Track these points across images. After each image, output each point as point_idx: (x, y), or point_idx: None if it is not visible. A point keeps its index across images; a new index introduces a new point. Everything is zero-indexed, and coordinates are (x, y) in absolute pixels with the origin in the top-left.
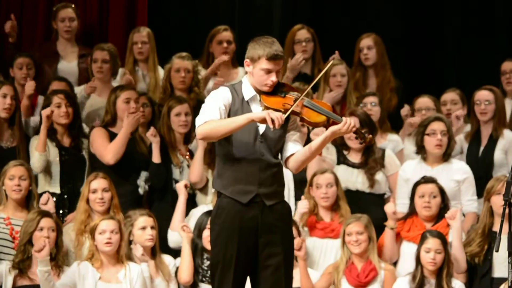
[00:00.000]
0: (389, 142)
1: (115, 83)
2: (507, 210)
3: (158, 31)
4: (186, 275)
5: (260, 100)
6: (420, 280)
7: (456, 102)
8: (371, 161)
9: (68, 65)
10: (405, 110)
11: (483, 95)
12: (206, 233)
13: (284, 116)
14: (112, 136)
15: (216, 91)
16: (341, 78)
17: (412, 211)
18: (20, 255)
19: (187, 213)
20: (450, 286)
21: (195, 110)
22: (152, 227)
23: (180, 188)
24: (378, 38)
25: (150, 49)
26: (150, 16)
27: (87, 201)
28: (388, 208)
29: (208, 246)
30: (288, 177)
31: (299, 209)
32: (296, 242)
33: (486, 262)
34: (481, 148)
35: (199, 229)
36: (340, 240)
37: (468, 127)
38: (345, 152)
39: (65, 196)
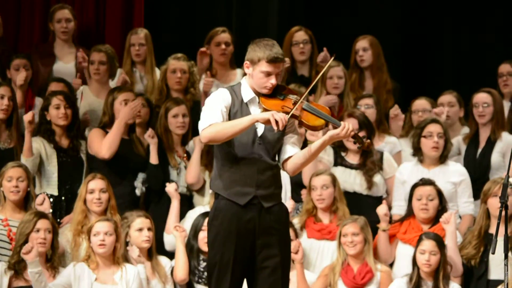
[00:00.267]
0: (386, 144)
1: (113, 85)
2: (503, 212)
3: (154, 32)
4: (181, 273)
5: (259, 102)
6: (416, 282)
7: (453, 104)
8: (369, 162)
9: (65, 66)
10: (394, 110)
11: (481, 98)
12: (202, 235)
13: (288, 117)
14: None
15: (215, 93)
16: (338, 80)
17: (410, 213)
18: (16, 256)
19: (184, 214)
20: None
21: (191, 111)
22: (148, 229)
23: (171, 192)
24: (374, 40)
25: (147, 51)
26: (146, 17)
27: (85, 201)
28: (380, 210)
29: (204, 247)
30: (285, 179)
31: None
32: (293, 245)
33: (482, 264)
34: (479, 150)
35: (195, 231)
36: (336, 242)
37: (465, 129)
38: (342, 154)
39: (63, 198)
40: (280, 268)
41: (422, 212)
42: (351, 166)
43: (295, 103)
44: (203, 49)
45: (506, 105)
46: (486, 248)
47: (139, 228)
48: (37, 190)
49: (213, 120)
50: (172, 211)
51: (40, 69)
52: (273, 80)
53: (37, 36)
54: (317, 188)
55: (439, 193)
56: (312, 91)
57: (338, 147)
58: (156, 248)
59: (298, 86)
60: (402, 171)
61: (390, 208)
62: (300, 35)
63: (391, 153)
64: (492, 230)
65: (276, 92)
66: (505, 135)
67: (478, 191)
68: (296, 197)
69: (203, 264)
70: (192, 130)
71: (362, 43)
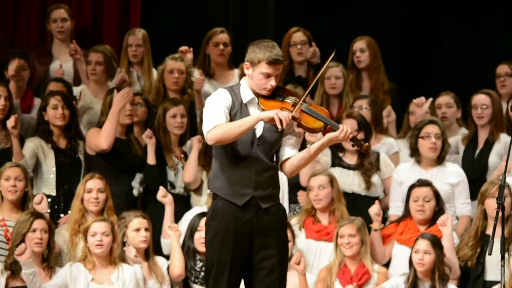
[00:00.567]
0: (382, 144)
1: (112, 85)
2: (500, 214)
3: (151, 32)
4: (177, 268)
5: (258, 103)
6: (413, 282)
7: (451, 105)
8: (367, 163)
9: (63, 66)
10: (386, 111)
11: (480, 99)
12: (198, 235)
13: (291, 115)
14: None
15: (216, 94)
16: (336, 81)
17: (406, 214)
18: (12, 257)
19: (181, 214)
20: None
21: (189, 112)
22: (146, 229)
23: (163, 200)
24: (372, 40)
25: (144, 52)
26: (143, 17)
27: (82, 200)
28: (372, 210)
29: (200, 248)
30: (282, 180)
31: None
32: (296, 256)
33: (478, 265)
34: (477, 151)
35: (191, 231)
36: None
37: (463, 130)
38: (340, 154)
39: (61, 198)
40: (278, 269)
41: (419, 213)
42: (348, 167)
43: (294, 105)
44: (182, 48)
45: (503, 105)
46: (482, 249)
47: (136, 228)
48: (35, 190)
49: (218, 121)
50: (166, 216)
51: (36, 68)
52: (272, 82)
53: (34, 37)
54: (314, 188)
55: (436, 194)
56: (310, 92)
57: (336, 147)
58: (153, 249)
59: (294, 87)
60: (400, 171)
61: (387, 208)
62: (298, 36)
63: (387, 154)
64: (489, 231)
65: (275, 94)
66: (503, 136)
67: (475, 192)
68: (293, 198)
69: (199, 264)
70: (190, 131)
71: (360, 44)
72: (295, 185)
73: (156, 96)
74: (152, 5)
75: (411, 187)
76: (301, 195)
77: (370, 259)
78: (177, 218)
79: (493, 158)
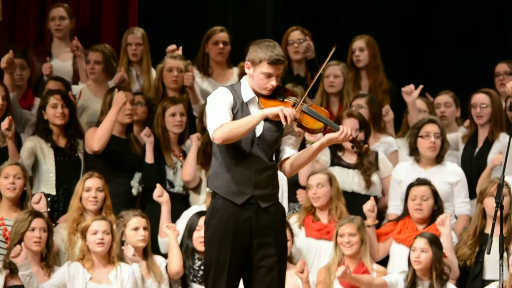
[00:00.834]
0: (381, 144)
1: (112, 84)
2: (498, 213)
3: (149, 31)
4: (175, 265)
5: (258, 103)
6: (411, 280)
7: (450, 105)
8: (367, 162)
9: (62, 64)
10: (384, 110)
11: (479, 99)
12: (197, 234)
13: (295, 111)
14: None
15: (218, 93)
16: (334, 79)
17: (405, 213)
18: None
19: (180, 213)
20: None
21: (188, 110)
22: (144, 228)
23: (159, 200)
24: (371, 40)
25: (144, 51)
26: (141, 16)
27: (80, 199)
28: (365, 206)
29: (198, 247)
30: (282, 179)
31: None
32: (299, 264)
33: (477, 264)
34: (477, 150)
35: (189, 230)
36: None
37: (461, 129)
38: (339, 153)
39: (60, 197)
40: (277, 268)
41: (416, 212)
42: (348, 166)
43: (294, 105)
44: (169, 47)
45: (503, 104)
46: (481, 248)
47: (135, 227)
48: (34, 189)
49: (223, 120)
50: (163, 215)
51: (35, 65)
52: (273, 82)
53: (32, 36)
54: (313, 186)
55: (434, 193)
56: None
57: (335, 147)
58: (152, 248)
59: (292, 86)
60: (399, 170)
61: (385, 207)
62: (295, 35)
63: (386, 153)
64: (488, 230)
65: (276, 94)
66: (503, 136)
67: (474, 191)
68: (292, 197)
69: (197, 263)
70: (189, 129)
71: (359, 43)
72: (294, 184)
73: (155, 94)
74: (150, 4)
75: (410, 186)
76: (300, 193)
77: (370, 258)
78: (176, 217)
79: (492, 157)
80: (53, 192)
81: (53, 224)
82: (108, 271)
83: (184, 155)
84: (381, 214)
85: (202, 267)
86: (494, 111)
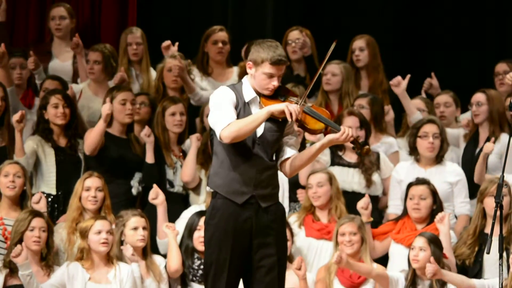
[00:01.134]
0: (381, 144)
1: (113, 84)
2: (498, 212)
3: (149, 31)
4: (174, 263)
5: (259, 103)
6: (411, 279)
7: (450, 105)
8: (368, 161)
9: (62, 64)
10: (385, 109)
11: (475, 97)
12: (197, 234)
13: (299, 107)
14: (107, 136)
15: (221, 92)
16: (331, 77)
17: (405, 213)
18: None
19: (179, 214)
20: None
21: (188, 110)
22: (144, 228)
23: (153, 201)
24: (371, 39)
25: (144, 50)
26: (140, 16)
27: (80, 199)
28: (359, 203)
29: (198, 247)
30: (282, 179)
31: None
32: (296, 261)
33: (476, 263)
34: (477, 150)
35: (189, 230)
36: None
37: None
38: (340, 153)
39: (61, 197)
40: (277, 268)
41: (414, 211)
42: (349, 165)
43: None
44: (165, 43)
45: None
46: (480, 248)
47: (134, 227)
48: (35, 189)
49: (230, 119)
50: (159, 217)
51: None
52: (275, 82)
53: (32, 36)
54: (313, 185)
55: (433, 193)
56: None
57: (335, 146)
58: (151, 247)
59: (292, 86)
60: (399, 170)
61: (386, 208)
62: (293, 34)
63: (386, 153)
64: (488, 230)
65: (277, 94)
66: (503, 136)
67: (474, 190)
68: (293, 196)
69: (197, 262)
70: (189, 129)
71: (359, 43)
72: (294, 184)
73: (155, 94)
74: (149, 3)
75: (409, 186)
76: (300, 193)
77: (370, 258)
78: (176, 217)
79: (493, 158)
80: (53, 192)
81: (54, 224)
82: (107, 271)
83: (184, 154)
84: (381, 213)
85: (202, 267)
86: (491, 109)
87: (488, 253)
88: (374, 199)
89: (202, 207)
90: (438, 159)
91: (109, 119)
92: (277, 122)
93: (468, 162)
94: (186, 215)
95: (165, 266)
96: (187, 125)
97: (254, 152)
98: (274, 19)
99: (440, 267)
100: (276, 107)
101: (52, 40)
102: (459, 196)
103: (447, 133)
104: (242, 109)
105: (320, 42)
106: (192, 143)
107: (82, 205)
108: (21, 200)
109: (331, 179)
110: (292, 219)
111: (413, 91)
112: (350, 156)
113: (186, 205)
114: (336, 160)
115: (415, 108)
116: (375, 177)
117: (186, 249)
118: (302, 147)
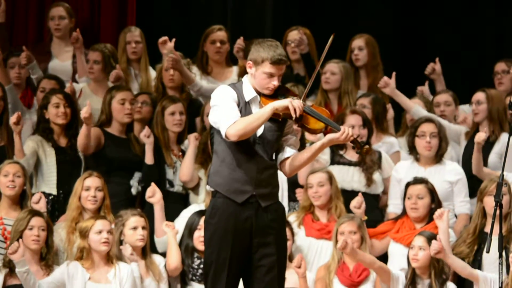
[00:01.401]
0: (383, 144)
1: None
2: (498, 211)
3: (148, 30)
4: (174, 261)
5: (259, 102)
6: (410, 278)
7: (449, 104)
8: (369, 160)
9: (61, 64)
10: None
11: (475, 96)
12: (198, 234)
13: (302, 103)
14: (106, 136)
15: (222, 91)
16: (330, 75)
17: (404, 212)
18: None
19: (178, 214)
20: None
21: (188, 109)
22: (143, 227)
23: (150, 200)
24: (371, 39)
25: (143, 49)
26: (140, 15)
27: (79, 198)
28: (352, 203)
29: (198, 246)
30: (282, 178)
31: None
32: (296, 259)
33: (475, 262)
34: None
35: (190, 229)
36: (332, 241)
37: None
38: (340, 152)
39: (61, 197)
40: (276, 267)
41: (412, 211)
42: (349, 163)
43: None
44: (162, 39)
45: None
46: (480, 247)
47: (133, 226)
48: (35, 189)
49: (235, 117)
50: (156, 215)
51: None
52: (275, 82)
53: (31, 36)
54: (313, 185)
55: (431, 192)
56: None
57: (336, 145)
58: (150, 247)
59: (291, 86)
60: (399, 169)
61: (386, 207)
62: (292, 35)
63: (387, 153)
64: (488, 229)
65: (277, 93)
66: (504, 136)
67: (474, 189)
68: (292, 196)
69: (197, 262)
70: (188, 128)
71: (358, 42)
72: (294, 184)
73: (155, 93)
74: (149, 3)
75: (407, 185)
76: (299, 192)
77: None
78: (175, 216)
79: (493, 157)
80: (54, 191)
81: (54, 224)
82: (107, 270)
83: (184, 154)
84: (382, 212)
85: (201, 266)
86: (490, 109)
87: (488, 252)
88: (375, 198)
89: (202, 206)
90: (438, 158)
91: (90, 122)
92: (277, 121)
93: (469, 161)
94: (185, 214)
95: (165, 266)
96: (187, 124)
97: (254, 151)
98: (274, 19)
99: (440, 264)
100: (280, 103)
101: (51, 40)
102: (459, 195)
103: (448, 129)
104: (243, 108)
105: (320, 42)
106: (190, 143)
107: (82, 205)
108: (21, 200)
109: (331, 178)
110: (291, 219)
111: (413, 91)
112: (351, 155)
113: (186, 204)
114: (336, 159)
115: (411, 102)
116: (376, 176)
117: (186, 248)
118: (302, 146)
